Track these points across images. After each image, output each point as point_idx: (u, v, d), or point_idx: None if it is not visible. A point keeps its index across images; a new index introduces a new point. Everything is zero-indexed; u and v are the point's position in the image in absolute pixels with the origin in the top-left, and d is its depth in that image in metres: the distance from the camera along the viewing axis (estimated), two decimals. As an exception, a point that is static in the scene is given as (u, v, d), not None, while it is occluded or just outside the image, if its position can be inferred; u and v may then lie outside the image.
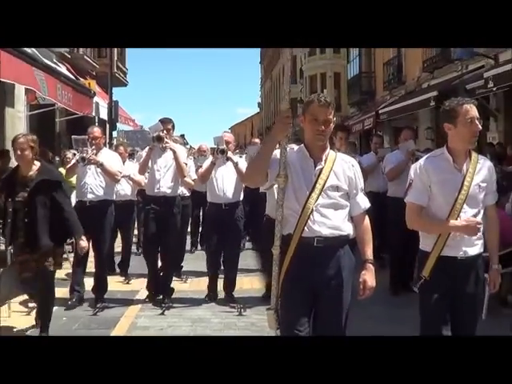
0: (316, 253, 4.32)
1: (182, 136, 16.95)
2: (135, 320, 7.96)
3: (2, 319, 7.16)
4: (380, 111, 24.52)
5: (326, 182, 4.34)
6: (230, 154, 8.72)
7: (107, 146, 15.11)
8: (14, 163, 7.12)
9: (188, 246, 12.35)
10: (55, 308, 7.18)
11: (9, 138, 12.19)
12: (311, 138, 4.40)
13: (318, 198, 4.30)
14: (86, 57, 23.41)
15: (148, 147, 8.87)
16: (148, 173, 8.93)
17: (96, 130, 8.95)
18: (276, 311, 4.47)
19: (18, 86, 14.73)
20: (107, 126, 22.79)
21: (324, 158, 4.41)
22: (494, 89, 13.90)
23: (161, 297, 8.75)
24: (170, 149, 8.52)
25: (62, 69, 18.88)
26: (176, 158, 8.48)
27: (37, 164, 6.75)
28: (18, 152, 6.61)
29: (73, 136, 8.88)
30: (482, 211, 4.61)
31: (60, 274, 8.16)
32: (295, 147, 4.64)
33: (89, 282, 8.79)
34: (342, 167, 4.45)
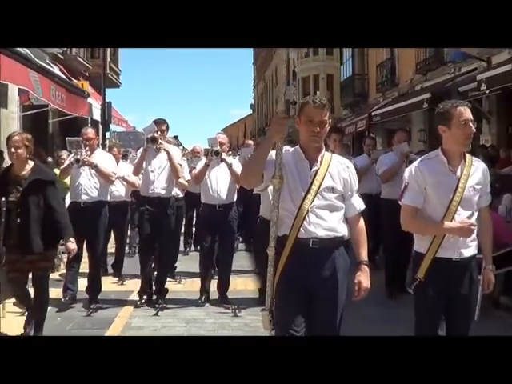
0: (311, 254, 4.33)
1: (176, 137, 16.95)
2: (129, 320, 7.98)
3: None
4: (373, 113, 24.54)
5: (321, 183, 4.35)
6: (224, 155, 8.73)
7: (100, 147, 15.09)
8: (8, 164, 7.00)
9: (181, 247, 12.36)
10: (49, 308, 7.16)
11: (2, 139, 12.15)
12: (306, 139, 4.41)
13: (313, 199, 4.32)
14: (78, 58, 23.29)
15: (142, 148, 8.88)
16: (142, 174, 8.93)
17: (90, 131, 8.96)
18: (271, 312, 4.48)
19: (12, 87, 14.70)
20: (100, 127, 22.75)
21: (319, 159, 4.43)
22: (487, 91, 13.93)
23: (155, 297, 8.76)
24: (164, 150, 8.53)
25: (55, 70, 18.82)
26: (170, 159, 8.50)
27: (30, 163, 6.65)
28: (12, 150, 6.50)
29: (67, 138, 8.84)
30: (476, 213, 4.63)
31: (54, 274, 8.17)
32: (290, 149, 4.64)
33: (82, 283, 8.81)
34: (337, 169, 4.46)
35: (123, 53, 33.34)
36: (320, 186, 4.34)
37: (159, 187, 8.61)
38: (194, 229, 13.35)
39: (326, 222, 4.34)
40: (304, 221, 4.31)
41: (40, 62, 14.23)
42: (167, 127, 8.92)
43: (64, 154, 10.60)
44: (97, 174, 8.64)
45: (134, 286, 9.33)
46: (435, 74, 22.03)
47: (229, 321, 8.00)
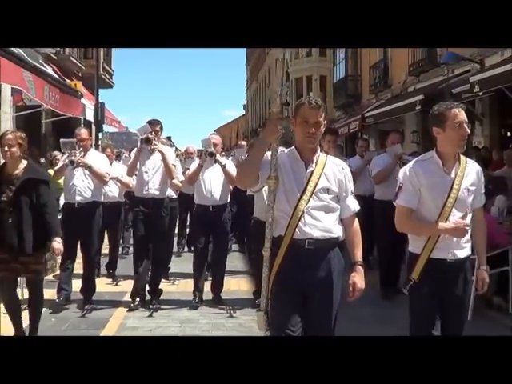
0: (307, 255, 4.34)
1: (169, 138, 16.97)
2: (124, 321, 7.98)
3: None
4: (366, 114, 24.51)
5: (316, 184, 4.36)
6: (217, 156, 8.74)
7: (93, 147, 15.10)
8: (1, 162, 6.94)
9: (175, 248, 12.35)
10: (43, 309, 7.15)
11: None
12: (302, 140, 4.43)
13: (309, 200, 4.32)
14: (72, 58, 23.28)
15: (136, 149, 8.88)
16: (136, 175, 8.93)
17: (83, 132, 8.97)
18: (266, 313, 4.50)
19: (5, 87, 14.70)
20: (93, 127, 22.74)
21: (315, 160, 4.44)
22: (480, 93, 13.95)
23: (149, 298, 8.77)
24: (159, 150, 8.53)
25: (49, 70, 18.82)
26: (164, 160, 8.50)
27: (24, 163, 6.55)
28: (6, 148, 6.38)
29: (61, 139, 8.81)
30: (470, 214, 4.64)
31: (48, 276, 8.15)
32: (285, 150, 4.64)
33: (77, 284, 8.81)
34: (332, 170, 4.47)
35: (116, 53, 33.32)
36: (315, 186, 4.35)
37: (153, 188, 8.62)
38: (187, 230, 13.34)
39: (322, 223, 4.35)
40: (299, 222, 4.31)
41: (33, 62, 14.23)
42: (161, 128, 8.92)
43: (58, 154, 10.57)
44: (91, 175, 8.63)
45: (128, 286, 9.30)
46: (428, 75, 22.08)
47: (223, 321, 8.01)
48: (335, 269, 4.43)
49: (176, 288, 10.00)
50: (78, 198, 8.61)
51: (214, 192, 8.79)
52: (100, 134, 23.90)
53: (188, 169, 9.40)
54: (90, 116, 21.54)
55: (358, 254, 4.56)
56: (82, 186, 8.64)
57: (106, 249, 11.24)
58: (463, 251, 4.61)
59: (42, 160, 15.05)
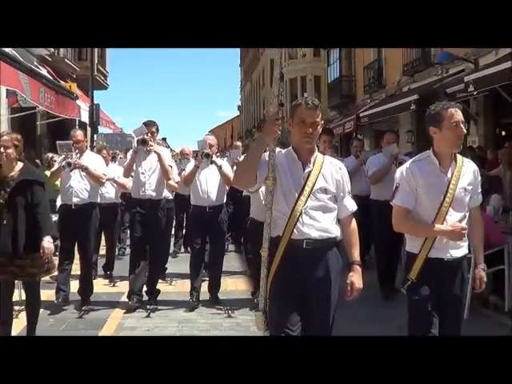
0: (305, 255, 4.35)
1: (164, 139, 16.98)
2: (122, 321, 8.01)
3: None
4: (361, 114, 24.52)
5: (314, 184, 4.38)
6: (213, 157, 8.77)
7: (89, 149, 15.10)
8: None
9: (171, 249, 12.37)
10: (41, 310, 7.15)
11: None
12: (299, 140, 4.43)
13: (306, 200, 4.34)
14: (66, 60, 23.28)
15: (132, 150, 8.89)
16: (132, 176, 8.94)
17: (78, 134, 8.99)
18: (264, 313, 4.50)
19: (-1, 89, 14.72)
20: (88, 129, 22.71)
21: (312, 160, 4.45)
22: (475, 93, 14.00)
23: (146, 298, 8.80)
24: (155, 152, 8.54)
25: (43, 72, 18.81)
26: (161, 161, 8.52)
27: (19, 164, 6.51)
28: (2, 150, 6.34)
29: (57, 142, 8.78)
30: (467, 214, 4.67)
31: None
32: (282, 150, 4.66)
33: (74, 285, 8.82)
34: (330, 170, 4.49)
35: (110, 54, 33.30)
36: (313, 187, 4.37)
37: (150, 189, 8.63)
38: (183, 230, 13.34)
39: (320, 223, 4.37)
40: (297, 222, 4.33)
41: (29, 65, 14.23)
42: (157, 129, 8.92)
43: (55, 156, 10.57)
44: (87, 177, 8.65)
45: (125, 287, 9.31)
46: (422, 75, 22.12)
47: (221, 321, 8.04)
48: (333, 268, 4.44)
49: (173, 288, 10.02)
50: (75, 200, 8.62)
51: (210, 193, 8.81)
52: (95, 136, 23.86)
53: (184, 169, 9.41)
54: (84, 117, 21.52)
55: (356, 254, 4.58)
56: (78, 188, 8.66)
57: (102, 250, 11.23)
58: (460, 250, 4.63)
59: (37, 161, 15.05)
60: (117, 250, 12.23)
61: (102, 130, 25.85)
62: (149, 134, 8.56)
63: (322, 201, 4.40)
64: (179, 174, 9.55)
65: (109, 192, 10.77)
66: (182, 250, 13.37)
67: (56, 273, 8.62)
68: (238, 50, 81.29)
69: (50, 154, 14.93)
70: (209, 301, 8.88)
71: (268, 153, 4.34)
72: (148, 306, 8.55)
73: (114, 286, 10.18)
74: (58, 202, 9.04)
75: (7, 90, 15.20)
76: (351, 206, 4.62)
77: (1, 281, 6.46)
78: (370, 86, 29.02)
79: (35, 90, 12.72)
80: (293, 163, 4.45)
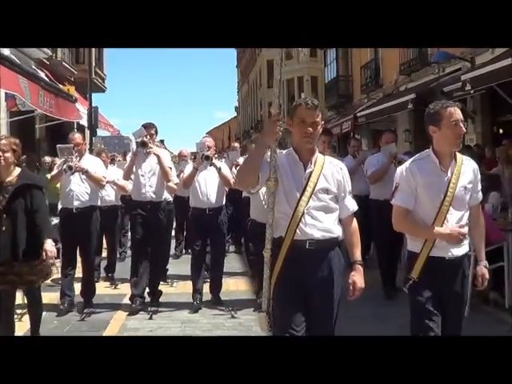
0: (308, 255, 4.37)
1: (162, 141, 17.02)
2: (125, 322, 8.04)
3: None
4: (358, 114, 24.50)
5: (316, 184, 4.39)
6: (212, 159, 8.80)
7: (88, 152, 15.12)
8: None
9: (172, 251, 12.40)
10: (45, 313, 7.17)
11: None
12: (299, 140, 4.45)
13: (308, 200, 4.36)
14: (64, 63, 23.28)
15: (132, 153, 8.91)
16: (131, 179, 8.96)
17: (77, 137, 8.99)
18: (267, 313, 4.51)
19: (-1, 93, 14.75)
20: (87, 132, 22.73)
21: (313, 161, 4.47)
22: (472, 91, 14.03)
23: (149, 299, 8.83)
24: (154, 154, 8.56)
25: (41, 75, 18.82)
26: (160, 163, 8.54)
27: (17, 170, 6.38)
28: None
29: (58, 145, 8.76)
30: (468, 213, 4.68)
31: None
32: (283, 151, 4.65)
33: (77, 287, 8.85)
34: (330, 170, 4.51)
35: (108, 57, 33.30)
36: (315, 187, 4.39)
37: (150, 191, 8.66)
38: (184, 232, 13.34)
39: (322, 224, 4.39)
40: (300, 222, 4.34)
41: (27, 68, 14.25)
42: (156, 131, 8.92)
43: (56, 159, 10.59)
44: (87, 180, 8.66)
45: (127, 289, 9.33)
46: (419, 74, 22.15)
47: (223, 321, 8.08)
48: (336, 269, 4.47)
49: (175, 290, 10.05)
50: (76, 203, 8.63)
51: (209, 195, 8.82)
52: (93, 139, 23.88)
53: (182, 171, 9.43)
54: (83, 120, 21.53)
55: (358, 253, 4.59)
56: (79, 191, 8.67)
57: (103, 252, 11.27)
58: (461, 248, 4.64)
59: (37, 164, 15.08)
60: (118, 253, 12.26)
61: (100, 132, 25.91)
62: (148, 136, 8.57)
63: (323, 201, 4.42)
64: (178, 175, 9.56)
65: (109, 195, 10.82)
66: (184, 251, 13.38)
67: (56, 275, 8.67)
68: (234, 51, 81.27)
69: (48, 158, 14.96)
70: (211, 301, 8.92)
71: (269, 153, 4.34)
72: (149, 308, 8.58)
73: (115, 288, 10.20)
74: (59, 206, 9.05)
75: (6, 93, 15.22)
76: (352, 205, 4.65)
77: (1, 291, 6.30)
78: (367, 86, 29.03)
79: (35, 94, 12.72)
80: (294, 164, 4.47)
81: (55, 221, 9.24)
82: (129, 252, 11.08)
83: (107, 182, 9.44)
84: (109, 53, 32.82)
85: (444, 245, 4.58)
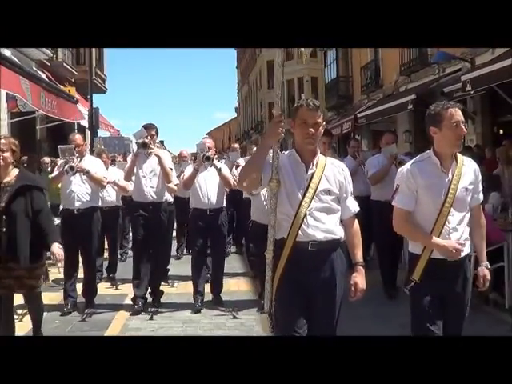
0: (310, 257, 4.37)
1: (161, 142, 17.04)
2: (127, 322, 8.07)
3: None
4: (358, 115, 24.52)
5: (318, 186, 4.39)
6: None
7: (88, 152, 15.14)
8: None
9: (174, 252, 12.39)
10: (47, 313, 7.17)
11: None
12: (301, 141, 4.45)
13: (310, 202, 4.35)
14: (65, 64, 23.30)
15: (132, 154, 8.93)
16: (132, 180, 8.98)
17: (78, 137, 9.01)
18: (270, 315, 4.52)
19: (-1, 94, 14.76)
20: (87, 132, 22.75)
21: (315, 162, 4.47)
22: (472, 92, 14.05)
23: (150, 299, 8.85)
24: (155, 154, 8.57)
25: (42, 76, 18.83)
26: (161, 164, 8.55)
27: (15, 170, 6.20)
28: None
29: (59, 146, 8.76)
30: (469, 214, 4.68)
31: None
32: (285, 152, 4.64)
33: (78, 287, 8.88)
34: (332, 171, 4.51)
35: (108, 58, 33.31)
36: (316, 188, 4.38)
37: (152, 192, 8.67)
38: (186, 234, 13.34)
39: (324, 225, 4.39)
40: (302, 224, 4.34)
41: (29, 69, 14.26)
42: (156, 132, 8.92)
43: (60, 160, 10.60)
44: (88, 180, 8.68)
45: (128, 289, 9.38)
46: (419, 75, 22.17)
47: (224, 321, 8.10)
48: (338, 270, 4.47)
49: (175, 290, 10.07)
50: (77, 204, 8.65)
51: (210, 196, 8.83)
52: (94, 140, 23.89)
53: (183, 172, 9.44)
54: (83, 121, 21.54)
55: (359, 255, 4.60)
56: (80, 192, 8.69)
57: (105, 253, 11.27)
58: (463, 250, 4.62)
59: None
60: (119, 254, 12.26)
61: (100, 133, 25.90)
62: (149, 137, 8.58)
63: (325, 202, 4.42)
64: (178, 176, 9.58)
65: (110, 195, 10.84)
66: (185, 252, 13.39)
67: (58, 276, 8.68)
68: (234, 52, 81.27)
69: (47, 159, 14.99)
70: (212, 301, 8.94)
71: (272, 155, 4.34)
72: (149, 309, 8.59)
73: (116, 289, 10.20)
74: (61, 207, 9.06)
75: (7, 94, 15.24)
76: (354, 206, 4.65)
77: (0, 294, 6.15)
78: (367, 87, 29.05)
79: (36, 95, 12.71)
80: (296, 165, 4.47)
81: (57, 221, 9.25)
82: (130, 252, 11.08)
83: (108, 183, 9.45)
84: (109, 54, 32.84)
85: None
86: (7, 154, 6.10)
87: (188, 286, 9.47)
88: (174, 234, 12.33)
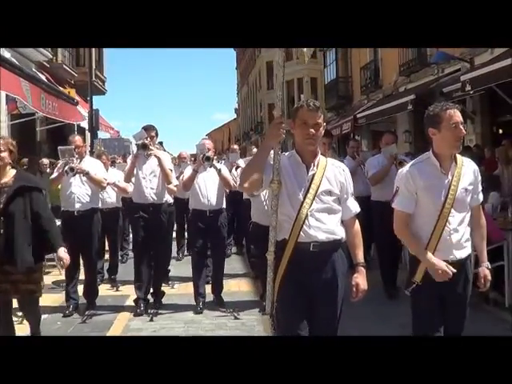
0: (312, 258, 4.36)
1: (161, 143, 17.05)
2: (128, 323, 8.08)
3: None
4: (358, 115, 24.54)
5: (319, 186, 4.39)
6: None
7: (88, 154, 15.14)
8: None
9: (174, 253, 12.40)
10: (48, 315, 7.17)
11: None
12: (302, 142, 4.45)
13: (312, 203, 4.35)
14: (64, 66, 23.29)
15: (132, 155, 8.93)
16: (132, 182, 8.98)
17: (78, 139, 8.99)
18: (271, 316, 4.51)
19: (-1, 96, 14.76)
20: (87, 134, 22.75)
21: (316, 163, 4.48)
22: (471, 92, 14.06)
23: (151, 300, 8.86)
24: (155, 156, 8.58)
25: (42, 78, 18.84)
26: (161, 165, 8.56)
27: (13, 171, 6.05)
28: None
29: (59, 147, 8.75)
30: (469, 214, 4.68)
31: (47, 280, 8.20)
32: (285, 153, 4.65)
33: (79, 289, 8.89)
34: (333, 172, 4.52)
35: (108, 59, 33.34)
36: (317, 189, 4.38)
37: (152, 193, 8.68)
38: (185, 233, 13.34)
39: (326, 225, 4.39)
40: (304, 225, 4.34)
41: (29, 71, 14.27)
42: (156, 133, 8.92)
43: (60, 161, 10.60)
44: (88, 182, 8.69)
45: (129, 290, 9.40)
46: (419, 75, 22.19)
47: (226, 321, 8.12)
48: (339, 270, 4.46)
49: (176, 291, 10.07)
50: (78, 206, 8.66)
51: (210, 197, 8.83)
52: (94, 141, 23.89)
53: (182, 172, 9.44)
54: (83, 123, 21.54)
55: (360, 255, 4.61)
56: (80, 194, 8.70)
57: (105, 254, 11.26)
58: (464, 251, 4.64)
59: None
60: (119, 255, 12.27)
61: (100, 134, 25.89)
62: (148, 139, 8.59)
63: (326, 203, 4.43)
64: (177, 177, 9.58)
65: (110, 197, 10.84)
66: (186, 253, 13.38)
67: (59, 277, 8.68)
68: (233, 53, 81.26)
69: (46, 160, 14.98)
70: (213, 302, 8.95)
71: (273, 156, 4.33)
72: (150, 310, 8.59)
73: (117, 290, 10.20)
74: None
75: (7, 96, 15.24)
76: (354, 207, 4.66)
77: None
78: (366, 87, 29.07)
79: (36, 97, 12.72)
80: (297, 166, 4.47)
81: (58, 223, 9.25)
82: (131, 254, 11.08)
83: (108, 184, 9.45)
84: (108, 55, 32.86)
85: (446, 248, 4.57)
86: (5, 154, 5.98)
87: (189, 287, 9.47)
88: (174, 235, 12.34)
